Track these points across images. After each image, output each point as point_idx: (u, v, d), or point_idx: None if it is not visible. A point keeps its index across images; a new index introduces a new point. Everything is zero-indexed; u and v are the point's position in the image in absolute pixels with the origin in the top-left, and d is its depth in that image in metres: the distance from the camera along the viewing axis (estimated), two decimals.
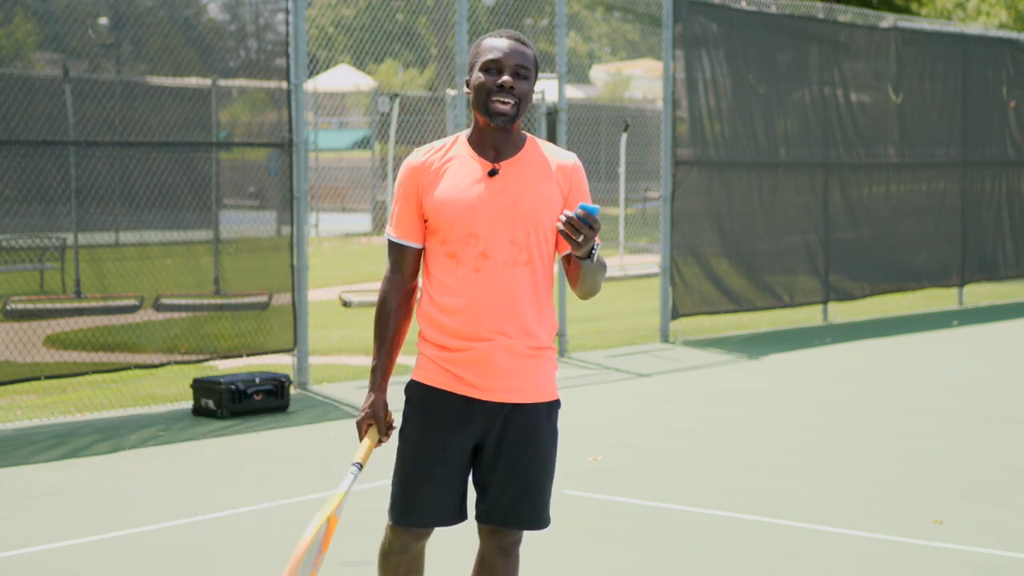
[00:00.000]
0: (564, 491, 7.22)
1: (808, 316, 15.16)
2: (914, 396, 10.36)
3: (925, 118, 16.26)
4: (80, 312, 9.72)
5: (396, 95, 12.35)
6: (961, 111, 16.65)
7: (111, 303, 9.78)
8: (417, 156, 4.08)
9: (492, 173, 4.01)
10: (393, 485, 4.14)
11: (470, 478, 4.18)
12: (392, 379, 4.21)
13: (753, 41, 14.09)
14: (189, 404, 9.59)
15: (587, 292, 4.03)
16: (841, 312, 15.51)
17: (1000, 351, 13.14)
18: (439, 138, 4.23)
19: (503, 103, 3.96)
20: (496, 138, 4.03)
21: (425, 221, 4.05)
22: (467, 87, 4.04)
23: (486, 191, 3.99)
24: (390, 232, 4.11)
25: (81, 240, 9.70)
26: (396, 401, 4.06)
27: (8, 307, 9.30)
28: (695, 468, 7.89)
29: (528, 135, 4.13)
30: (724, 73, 13.82)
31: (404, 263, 4.10)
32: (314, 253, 18.27)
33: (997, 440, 8.74)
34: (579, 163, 4.13)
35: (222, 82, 10.49)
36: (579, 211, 3.77)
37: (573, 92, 29.61)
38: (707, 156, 13.66)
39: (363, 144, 33.12)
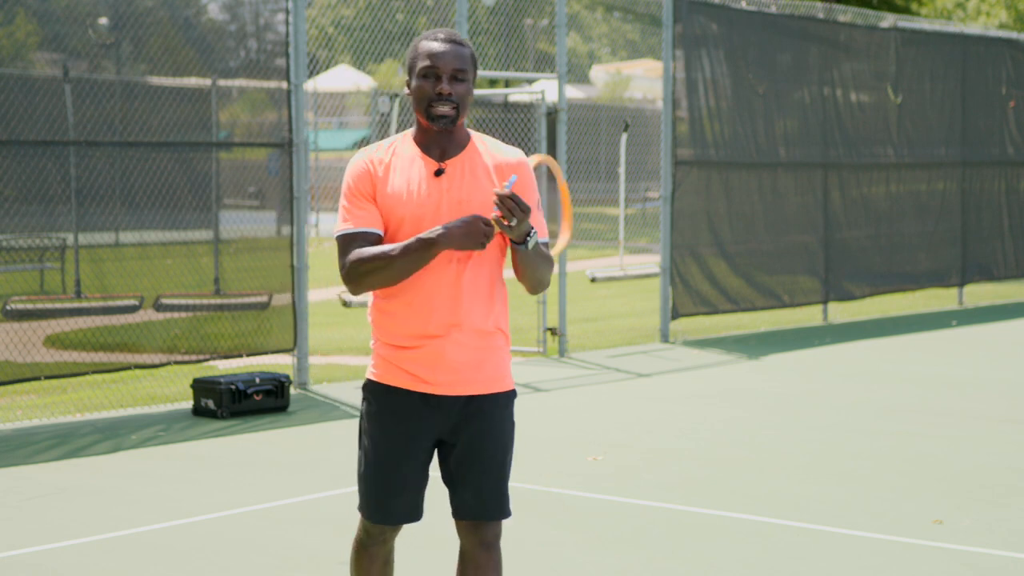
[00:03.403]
0: (564, 491, 7.22)
1: (808, 316, 15.15)
2: (914, 396, 10.36)
3: (925, 118, 16.26)
4: (80, 312, 9.71)
5: (396, 95, 12.34)
6: (961, 111, 16.65)
7: (111, 303, 9.78)
8: (367, 153, 4.12)
9: (438, 172, 4.06)
10: (360, 483, 4.19)
11: (439, 476, 4.22)
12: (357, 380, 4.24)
13: (753, 41, 14.09)
14: (189, 404, 9.59)
15: (532, 284, 4.10)
16: (841, 312, 15.51)
17: (1000, 351, 13.14)
18: None
19: (443, 109, 4.02)
20: (440, 138, 4.09)
21: None
22: (408, 89, 4.10)
23: (434, 190, 4.04)
24: (350, 226, 4.05)
25: (81, 240, 9.70)
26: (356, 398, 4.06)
27: (8, 307, 9.29)
28: (695, 468, 7.89)
29: (472, 132, 4.18)
30: (724, 73, 13.82)
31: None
32: (314, 253, 18.26)
33: (997, 440, 8.74)
34: (524, 159, 4.17)
35: (222, 82, 10.48)
36: (507, 189, 3.87)
37: (573, 92, 29.61)
38: (707, 156, 13.66)
39: (363, 144, 33.14)
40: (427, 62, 4.03)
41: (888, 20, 18.16)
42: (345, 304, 11.05)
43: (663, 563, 6.04)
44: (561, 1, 12.43)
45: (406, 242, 3.96)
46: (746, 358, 12.30)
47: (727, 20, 13.81)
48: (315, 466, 7.90)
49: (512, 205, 3.85)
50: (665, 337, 13.29)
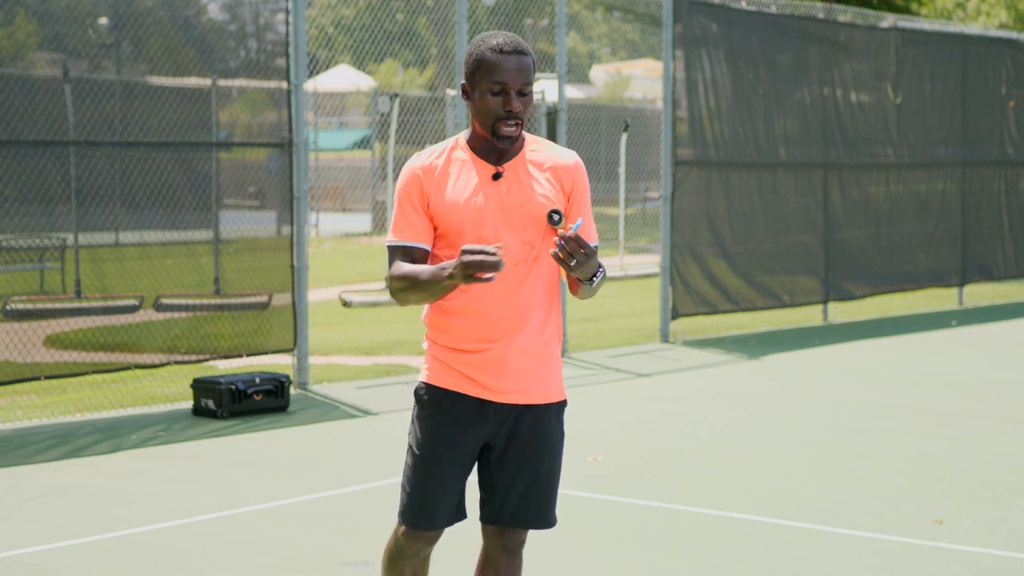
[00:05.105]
0: (564, 491, 7.22)
1: (808, 316, 15.15)
2: (914, 396, 10.36)
3: (925, 118, 16.26)
4: (80, 312, 9.72)
5: (396, 95, 12.34)
6: (961, 111, 16.65)
7: (111, 303, 9.78)
8: (419, 160, 4.04)
9: (496, 176, 4.00)
10: (404, 489, 4.12)
11: (474, 478, 4.18)
12: (401, 378, 4.21)
13: (753, 41, 14.09)
14: (189, 404, 9.59)
15: (585, 298, 4.10)
16: (841, 312, 15.51)
17: (1000, 351, 13.14)
18: (438, 138, 4.22)
19: (509, 129, 3.95)
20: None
21: (434, 227, 4.03)
22: (464, 93, 4.00)
23: (493, 194, 3.98)
24: (396, 238, 4.02)
25: (81, 240, 9.70)
26: (405, 401, 4.05)
27: (8, 307, 9.30)
28: (696, 468, 7.89)
29: (526, 134, 4.12)
30: (724, 73, 13.82)
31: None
32: (314, 253, 18.27)
33: (997, 440, 8.74)
34: (580, 162, 4.13)
35: (222, 82, 10.49)
36: (572, 231, 3.78)
37: (573, 92, 29.61)
38: (707, 156, 13.66)
39: (363, 144, 33.14)
40: (497, 76, 3.92)
41: (888, 20, 18.17)
42: (345, 304, 11.04)
43: (663, 563, 6.05)
44: (561, 1, 12.43)
45: (432, 269, 3.85)
46: (746, 358, 12.30)
47: (727, 20, 13.82)
48: (315, 466, 7.90)
49: (575, 248, 3.78)
50: (665, 337, 13.30)
